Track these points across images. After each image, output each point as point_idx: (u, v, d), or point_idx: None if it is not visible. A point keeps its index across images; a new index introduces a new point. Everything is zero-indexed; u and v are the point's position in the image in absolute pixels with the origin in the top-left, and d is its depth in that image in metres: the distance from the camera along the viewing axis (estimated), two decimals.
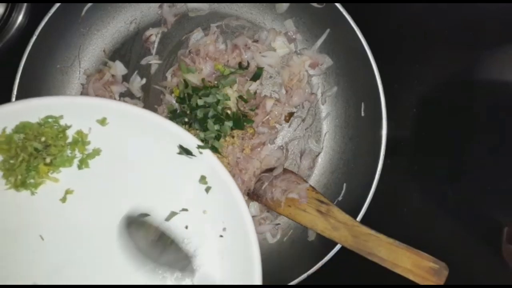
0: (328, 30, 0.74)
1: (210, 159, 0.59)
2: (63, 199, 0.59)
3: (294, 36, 0.76)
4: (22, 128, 0.56)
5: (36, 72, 0.70)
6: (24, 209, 0.58)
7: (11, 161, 0.56)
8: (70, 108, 0.57)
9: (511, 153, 0.69)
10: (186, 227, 0.60)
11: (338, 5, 0.68)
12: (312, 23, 0.75)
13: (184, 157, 0.60)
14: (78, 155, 0.59)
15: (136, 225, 0.58)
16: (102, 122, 0.58)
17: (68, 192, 0.59)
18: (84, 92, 0.75)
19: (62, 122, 0.58)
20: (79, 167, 0.59)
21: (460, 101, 0.73)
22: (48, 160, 0.57)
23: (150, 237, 0.58)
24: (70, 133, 0.59)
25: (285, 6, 0.74)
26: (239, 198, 0.58)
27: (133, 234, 0.58)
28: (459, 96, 0.73)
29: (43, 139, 0.57)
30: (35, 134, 0.56)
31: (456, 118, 0.73)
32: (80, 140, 0.59)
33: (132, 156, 0.60)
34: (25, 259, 0.58)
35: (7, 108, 0.56)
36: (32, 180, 0.57)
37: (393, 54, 0.73)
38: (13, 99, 0.67)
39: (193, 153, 0.59)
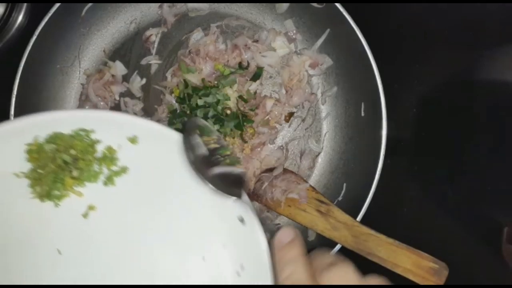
0: (328, 30, 0.74)
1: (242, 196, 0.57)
2: (85, 215, 0.58)
3: (294, 36, 0.76)
4: (54, 138, 0.55)
5: (36, 72, 0.70)
6: (44, 221, 0.57)
7: (40, 171, 0.55)
8: (102, 123, 0.56)
9: (511, 153, 0.69)
10: (203, 258, 0.57)
11: (338, 5, 0.68)
12: (312, 23, 0.75)
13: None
14: (105, 172, 0.58)
15: (201, 129, 0.56)
16: (133, 140, 0.57)
17: (91, 207, 0.58)
18: (84, 92, 0.75)
19: (93, 137, 0.57)
20: (105, 184, 0.58)
21: (460, 101, 0.73)
22: (75, 173, 0.56)
23: (210, 145, 0.55)
24: (100, 149, 0.57)
25: (285, 6, 0.74)
26: (261, 235, 0.55)
27: (195, 138, 0.55)
28: (459, 96, 0.73)
29: (73, 152, 0.55)
30: (66, 146, 0.55)
31: (456, 118, 0.73)
32: (109, 156, 0.57)
33: (160, 178, 0.58)
34: (39, 272, 0.57)
35: (41, 117, 0.55)
36: (57, 192, 0.56)
37: (393, 54, 0.73)
38: (13, 99, 0.67)
39: None
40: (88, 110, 0.56)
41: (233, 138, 0.74)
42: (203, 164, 0.54)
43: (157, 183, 0.58)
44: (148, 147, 0.57)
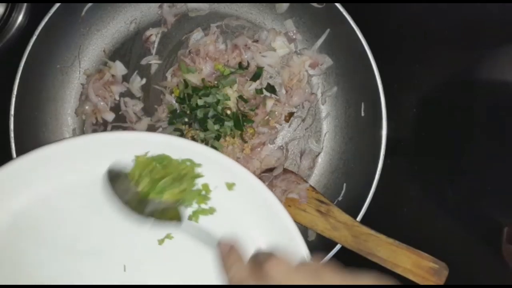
0: (328, 30, 0.74)
1: None
2: (161, 241, 0.59)
3: (294, 36, 0.76)
4: (162, 159, 0.57)
5: (36, 72, 0.70)
6: (123, 234, 0.58)
7: (140, 172, 0.57)
8: (210, 161, 0.57)
9: (511, 153, 0.69)
10: None
11: (338, 5, 0.68)
12: (312, 23, 0.75)
13: None
14: (194, 206, 0.59)
15: (122, 176, 0.57)
16: (230, 186, 0.58)
17: (168, 236, 0.59)
18: (84, 92, 0.75)
19: (197, 171, 0.58)
20: (189, 218, 0.59)
21: (460, 101, 0.73)
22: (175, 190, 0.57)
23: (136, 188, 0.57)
24: (198, 183, 0.58)
25: (285, 6, 0.74)
26: None
27: (119, 185, 0.57)
28: (459, 96, 0.73)
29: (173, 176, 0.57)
30: (172, 170, 0.57)
31: (456, 118, 0.73)
32: (204, 194, 0.58)
33: (239, 228, 0.59)
34: (97, 279, 0.58)
35: (159, 138, 0.57)
36: (155, 196, 0.57)
37: (393, 54, 0.73)
38: (13, 99, 0.67)
39: None
40: (203, 146, 0.58)
41: (233, 138, 0.74)
42: (139, 203, 0.56)
43: (235, 232, 0.59)
44: (242, 199, 0.58)
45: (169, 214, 0.56)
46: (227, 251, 0.53)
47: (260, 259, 0.49)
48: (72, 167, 0.58)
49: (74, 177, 0.58)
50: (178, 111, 0.74)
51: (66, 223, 0.59)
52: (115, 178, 0.57)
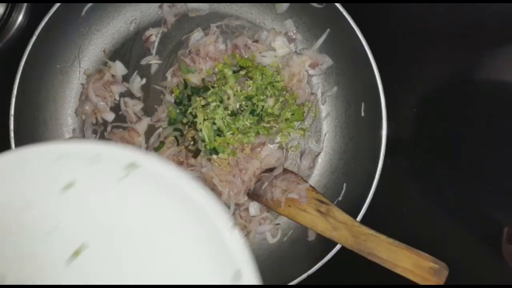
0: (328, 30, 0.74)
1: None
2: (76, 254, 0.57)
3: (294, 36, 0.76)
4: None
5: (36, 72, 0.71)
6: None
7: None
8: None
9: (511, 153, 0.69)
10: None
11: (338, 5, 0.68)
12: (312, 23, 0.75)
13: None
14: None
15: None
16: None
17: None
18: (84, 92, 0.75)
19: None
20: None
21: (460, 101, 0.73)
22: None
23: None
24: None
25: (285, 6, 0.74)
26: None
27: None
28: (459, 96, 0.73)
29: None
30: None
31: (456, 118, 0.73)
32: None
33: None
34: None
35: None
36: None
37: (393, 54, 0.73)
38: (13, 99, 0.67)
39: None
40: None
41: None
42: None
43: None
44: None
45: None
46: None
47: None
48: None
49: None
50: (177, 111, 0.74)
51: None
52: None
